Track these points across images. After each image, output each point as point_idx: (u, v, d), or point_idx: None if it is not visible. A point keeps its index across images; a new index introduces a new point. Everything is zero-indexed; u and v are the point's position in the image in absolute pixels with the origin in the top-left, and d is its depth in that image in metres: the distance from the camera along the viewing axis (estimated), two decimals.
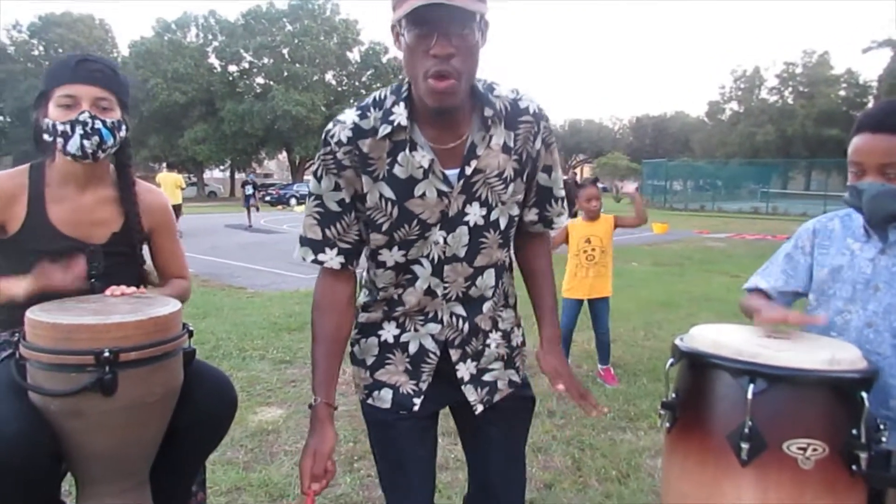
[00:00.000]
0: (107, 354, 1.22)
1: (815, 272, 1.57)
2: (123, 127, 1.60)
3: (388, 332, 1.38)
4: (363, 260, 1.39)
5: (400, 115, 1.22)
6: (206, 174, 47.80)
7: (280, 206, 30.63)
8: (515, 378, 1.49)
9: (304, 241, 1.31)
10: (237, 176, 45.20)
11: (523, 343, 1.53)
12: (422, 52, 1.12)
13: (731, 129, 49.13)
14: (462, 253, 1.30)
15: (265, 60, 41.60)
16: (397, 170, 1.24)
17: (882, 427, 1.27)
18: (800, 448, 1.20)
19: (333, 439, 1.30)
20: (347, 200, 1.27)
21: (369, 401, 1.40)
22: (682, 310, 6.88)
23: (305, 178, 42.48)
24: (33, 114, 1.56)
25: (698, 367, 1.35)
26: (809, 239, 1.61)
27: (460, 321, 1.37)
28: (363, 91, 43.86)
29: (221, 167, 46.61)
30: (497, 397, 1.44)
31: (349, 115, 1.26)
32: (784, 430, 1.21)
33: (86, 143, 1.51)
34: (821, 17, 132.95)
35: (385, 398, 1.38)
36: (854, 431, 1.21)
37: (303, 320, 6.01)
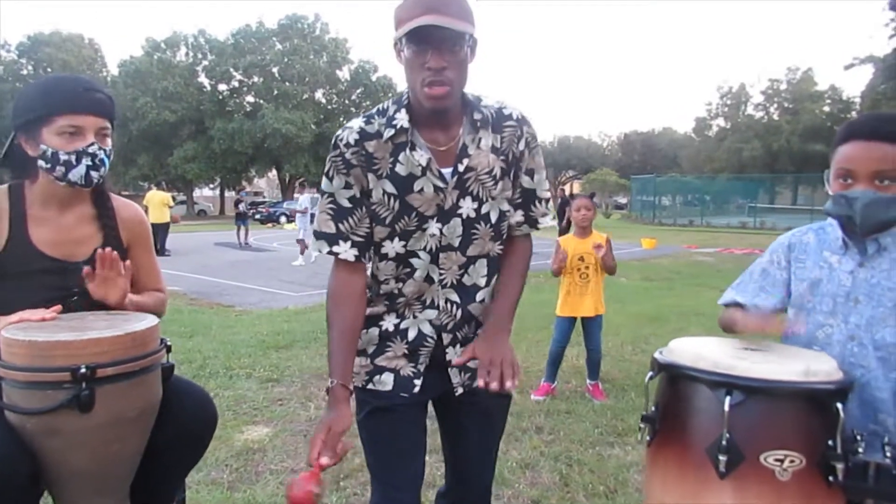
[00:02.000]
0: (83, 370, 1.21)
1: (794, 286, 1.58)
2: (112, 151, 1.63)
3: (389, 322, 1.51)
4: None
5: (401, 119, 1.40)
6: (196, 192, 47.67)
7: (270, 224, 30.56)
8: None
9: (320, 235, 1.45)
10: (227, 194, 45.14)
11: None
12: (419, 64, 1.31)
13: (719, 144, 49.64)
14: (456, 242, 1.46)
15: (255, 79, 41.72)
16: (399, 168, 1.40)
17: (859, 438, 1.27)
18: (777, 460, 1.20)
19: (350, 419, 1.37)
20: (357, 196, 1.42)
21: (370, 385, 1.50)
22: (670, 324, 6.90)
23: (295, 196, 42.37)
24: (14, 133, 1.56)
25: (677, 380, 1.36)
26: (784, 253, 1.62)
27: (454, 307, 1.51)
28: (353, 109, 44.07)
29: (211, 185, 46.54)
30: (476, 383, 1.49)
31: (356, 122, 1.44)
32: (761, 442, 1.22)
33: (93, 173, 1.55)
34: (804, 34, 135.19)
35: (387, 381, 1.49)
36: (830, 442, 1.22)
37: (291, 338, 5.99)
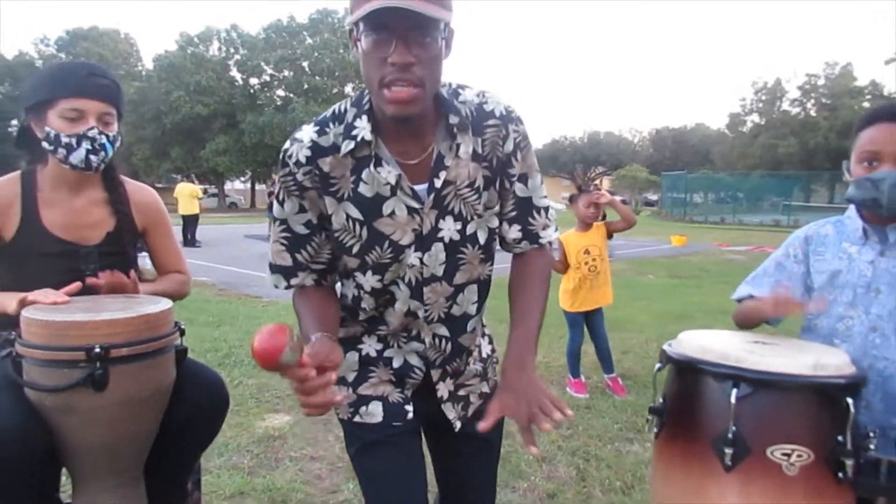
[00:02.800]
0: (97, 350, 1.25)
1: (813, 279, 1.56)
2: (120, 137, 1.65)
3: (370, 346, 1.33)
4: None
5: (363, 128, 1.14)
6: (227, 185, 48.35)
7: None
8: (486, 389, 1.45)
9: (275, 269, 1.28)
10: (257, 187, 45.69)
11: (493, 351, 1.50)
12: (379, 59, 1.04)
13: (753, 141, 48.65)
14: (440, 272, 1.24)
15: (285, 73, 42.13)
16: (362, 188, 1.17)
17: (871, 435, 1.25)
18: (784, 454, 1.19)
19: (341, 356, 1.14)
20: (314, 221, 1.22)
21: (356, 418, 1.31)
22: (696, 322, 6.80)
23: None
24: (24, 116, 1.60)
25: (684, 372, 1.35)
26: (801, 247, 1.60)
27: (443, 342, 1.32)
28: None
29: (242, 178, 47.17)
30: (471, 411, 1.42)
31: (306, 133, 1.19)
32: (768, 436, 1.20)
33: (93, 157, 1.57)
34: (842, 28, 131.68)
35: (374, 412, 1.30)
36: (840, 438, 1.20)
37: None
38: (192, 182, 16.12)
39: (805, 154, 43.97)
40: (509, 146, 1.24)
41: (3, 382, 1.36)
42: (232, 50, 43.22)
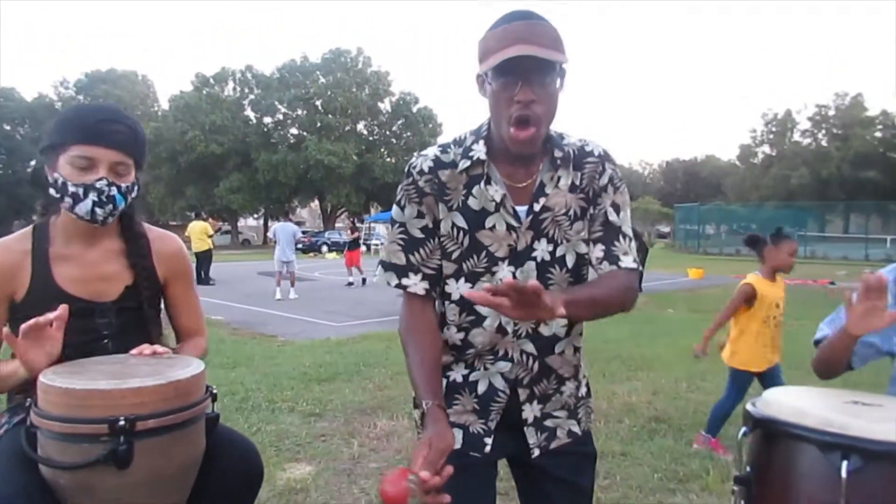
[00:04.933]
0: (122, 423, 1.11)
1: None
2: (136, 187, 1.52)
3: (457, 372, 1.40)
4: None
5: (479, 151, 1.32)
6: (241, 222, 48.69)
7: (312, 254, 30.91)
8: (576, 429, 1.45)
9: (388, 266, 1.37)
10: (270, 224, 45.98)
11: (588, 394, 1.51)
12: (506, 98, 1.22)
13: (764, 172, 48.59)
14: None
15: (299, 112, 42.70)
16: (471, 201, 1.32)
17: None
18: None
19: (452, 439, 1.19)
20: (430, 226, 1.34)
21: None
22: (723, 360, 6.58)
23: (338, 225, 43.02)
24: (40, 159, 1.49)
25: (777, 438, 1.20)
26: (891, 288, 1.46)
27: (530, 359, 1.37)
28: (394, 140, 44.67)
29: (255, 216, 47.48)
30: (554, 444, 1.42)
31: (431, 150, 1.37)
32: None
33: (98, 210, 1.44)
34: (852, 59, 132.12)
35: (455, 438, 1.33)
36: None
37: (334, 371, 5.90)
38: (204, 220, 16.14)
39: (818, 184, 43.78)
40: (604, 180, 1.38)
41: (13, 457, 1.22)
42: (247, 90, 43.96)
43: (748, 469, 1.25)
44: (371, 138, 44.95)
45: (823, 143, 47.59)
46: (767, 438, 1.23)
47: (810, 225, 34.97)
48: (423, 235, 1.34)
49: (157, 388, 1.18)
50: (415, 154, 1.39)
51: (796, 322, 8.66)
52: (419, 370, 1.29)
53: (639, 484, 3.31)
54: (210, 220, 17.40)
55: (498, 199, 1.31)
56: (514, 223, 1.32)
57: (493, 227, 1.32)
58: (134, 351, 1.40)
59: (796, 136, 50.08)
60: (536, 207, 1.32)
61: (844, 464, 1.06)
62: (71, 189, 1.42)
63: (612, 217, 1.37)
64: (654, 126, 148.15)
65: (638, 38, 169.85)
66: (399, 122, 45.16)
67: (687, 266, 18.84)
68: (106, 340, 1.49)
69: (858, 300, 1.33)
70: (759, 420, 1.23)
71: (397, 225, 1.36)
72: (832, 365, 1.50)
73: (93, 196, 1.43)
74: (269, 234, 13.00)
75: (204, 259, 15.03)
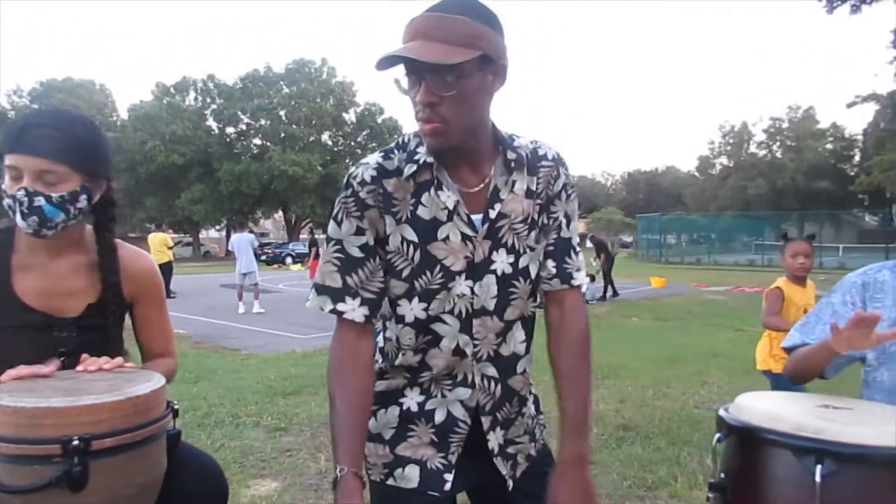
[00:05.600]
0: (76, 443, 1.04)
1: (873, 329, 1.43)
2: (83, 197, 1.38)
3: (412, 399, 1.26)
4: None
5: (425, 153, 1.19)
6: (202, 234, 47.78)
7: (276, 266, 30.50)
8: (533, 452, 1.37)
9: (322, 290, 1.20)
10: (233, 234, 45.31)
11: (539, 411, 1.41)
12: (412, 97, 1.13)
13: (722, 182, 49.81)
14: (491, 305, 1.23)
15: (262, 122, 42.22)
16: (421, 210, 1.19)
17: None
18: None
19: None
20: (371, 244, 1.20)
21: (389, 481, 1.25)
22: (689, 366, 6.69)
23: (302, 237, 42.53)
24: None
25: (752, 444, 1.19)
26: (859, 293, 1.48)
27: (492, 383, 1.27)
28: (359, 151, 44.46)
29: (217, 227, 46.69)
30: (518, 472, 1.33)
31: (373, 157, 1.23)
32: None
33: (23, 223, 1.33)
34: (805, 72, 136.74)
35: (410, 476, 1.24)
36: None
37: (299, 384, 5.80)
38: (164, 231, 15.79)
39: (774, 195, 45.08)
40: (559, 185, 1.30)
41: None
42: (209, 99, 43.32)
43: (723, 476, 1.24)
44: (336, 149, 44.70)
45: (778, 154, 49.04)
46: (742, 444, 1.22)
47: (767, 234, 35.91)
48: (362, 254, 1.19)
49: (113, 404, 1.11)
50: (356, 164, 1.24)
51: (754, 329, 8.87)
52: (343, 423, 1.13)
53: (608, 492, 3.31)
54: (170, 231, 17.04)
55: (451, 206, 1.18)
56: (470, 232, 1.20)
57: (447, 237, 1.19)
58: (80, 367, 1.32)
59: (752, 148, 51.50)
60: (492, 214, 1.21)
61: (819, 468, 1.06)
62: (6, 201, 1.33)
63: (565, 231, 1.31)
64: (616, 137, 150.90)
65: (601, 52, 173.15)
66: (364, 133, 45.02)
67: (650, 275, 19.14)
68: (63, 358, 1.39)
69: (848, 328, 1.32)
70: (733, 426, 1.22)
71: (333, 242, 1.21)
72: (805, 374, 1.51)
73: (20, 208, 1.32)
74: (229, 247, 12.64)
75: (164, 271, 14.58)
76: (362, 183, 1.19)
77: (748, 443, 1.20)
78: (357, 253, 1.19)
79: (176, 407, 1.30)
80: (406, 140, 1.24)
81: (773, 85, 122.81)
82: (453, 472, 1.25)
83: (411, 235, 1.19)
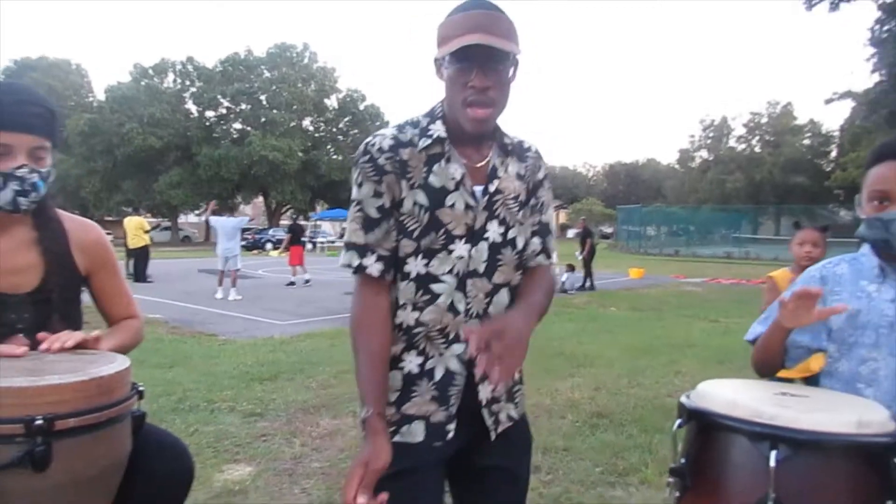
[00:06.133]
0: (39, 422, 1.04)
1: (832, 321, 1.47)
2: (52, 173, 1.43)
3: (411, 362, 1.38)
4: None
5: (438, 129, 1.35)
6: (181, 218, 47.21)
7: (256, 251, 30.26)
8: (513, 413, 1.48)
9: (350, 246, 1.36)
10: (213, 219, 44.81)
11: (521, 380, 1.53)
12: (462, 83, 1.28)
13: (702, 176, 50.31)
14: (482, 269, 1.37)
15: (243, 106, 41.74)
16: (432, 179, 1.34)
17: None
18: None
19: (389, 455, 1.22)
20: (387, 206, 1.34)
21: (397, 437, 1.36)
22: (663, 356, 6.78)
23: (282, 222, 42.22)
24: None
25: (711, 429, 1.22)
26: (819, 287, 1.51)
27: None
28: (340, 137, 44.21)
29: (196, 212, 46.17)
30: (500, 429, 1.44)
31: (388, 131, 1.38)
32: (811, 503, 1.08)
33: (22, 199, 1.35)
34: (784, 68, 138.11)
35: (416, 431, 1.36)
36: (890, 503, 1.08)
37: (276, 370, 5.79)
38: (139, 215, 15.54)
39: (752, 188, 45.65)
40: (540, 175, 1.49)
41: None
42: (188, 82, 42.67)
43: (682, 460, 1.27)
44: (317, 135, 44.36)
45: (757, 148, 49.61)
46: (701, 430, 1.25)
47: (744, 227, 36.43)
48: (378, 215, 1.34)
49: (77, 384, 1.10)
50: (371, 135, 1.39)
51: (729, 321, 9.01)
52: (369, 370, 1.29)
53: (580, 478, 3.36)
54: (148, 215, 16.83)
55: (458, 177, 1.34)
56: (472, 202, 1.35)
57: (453, 205, 1.34)
58: (43, 346, 1.31)
59: (732, 142, 52.04)
60: (491, 188, 1.37)
61: (773, 453, 1.09)
62: None
63: (545, 215, 1.50)
64: (597, 129, 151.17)
65: (583, 43, 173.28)
66: (346, 120, 44.73)
67: (628, 266, 19.34)
68: (21, 334, 1.38)
69: (791, 301, 1.38)
70: (693, 412, 1.25)
71: (354, 203, 1.36)
72: (768, 362, 1.55)
73: (14, 185, 1.33)
74: (213, 225, 12.15)
75: (141, 256, 14.52)
76: (381, 150, 1.33)
77: (706, 428, 1.23)
78: (374, 214, 1.34)
79: (141, 388, 1.29)
80: (416, 120, 1.40)
81: (754, 80, 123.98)
82: (454, 422, 1.37)
83: (423, 200, 1.34)
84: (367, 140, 1.37)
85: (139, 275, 14.29)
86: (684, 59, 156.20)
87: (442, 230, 1.34)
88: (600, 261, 16.00)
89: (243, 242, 25.89)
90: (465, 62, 1.26)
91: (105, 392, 1.15)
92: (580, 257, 14.30)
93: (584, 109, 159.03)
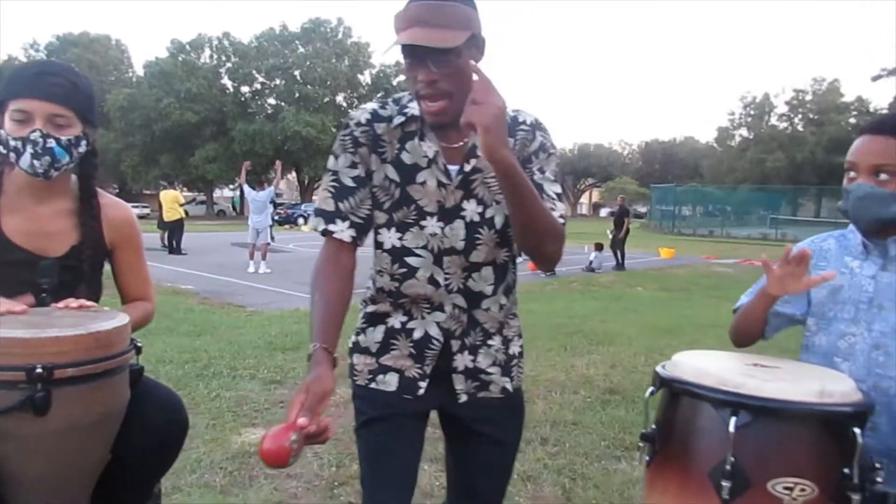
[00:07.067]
0: (39, 370, 1.13)
1: (813, 294, 1.49)
2: (83, 142, 1.52)
3: (396, 319, 1.46)
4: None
5: (414, 108, 1.37)
6: (216, 193, 48.08)
7: (288, 226, 30.72)
8: (509, 387, 1.52)
9: (318, 212, 1.42)
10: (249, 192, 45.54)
11: (521, 354, 1.57)
12: (412, 77, 1.29)
13: (741, 155, 49.04)
14: (460, 246, 1.40)
15: (277, 82, 42.07)
16: (404, 155, 1.38)
17: (878, 467, 1.16)
18: (786, 488, 1.10)
19: (331, 382, 1.24)
20: (362, 176, 1.39)
21: (372, 385, 1.46)
22: (686, 336, 6.74)
23: (314, 197, 42.64)
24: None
25: (679, 396, 1.26)
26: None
27: (461, 312, 1.44)
28: None
29: (231, 186, 46.93)
30: (482, 394, 1.48)
31: (370, 105, 1.43)
32: (769, 468, 1.11)
33: (35, 162, 1.44)
34: (830, 44, 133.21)
35: (390, 381, 1.45)
36: (846, 471, 1.11)
37: (299, 340, 5.93)
38: (175, 189, 15.95)
39: (792, 169, 44.34)
40: (535, 146, 1.43)
41: None
42: (224, 58, 43.11)
43: (653, 427, 1.32)
44: (350, 110, 44.08)
45: (799, 127, 48.10)
46: (671, 397, 1.29)
47: (783, 208, 35.50)
48: (354, 185, 1.39)
49: (76, 337, 1.20)
50: (356, 108, 1.45)
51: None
52: (320, 310, 1.34)
53: (586, 451, 3.42)
54: (184, 189, 17.22)
55: (430, 155, 1.36)
56: (445, 180, 1.37)
57: (424, 182, 1.37)
58: (60, 304, 1.42)
59: (773, 120, 50.52)
60: (467, 168, 1.37)
61: (733, 420, 1.12)
62: (11, 143, 1.43)
63: (538, 177, 1.39)
64: (634, 107, 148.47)
65: (621, 21, 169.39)
66: (379, 95, 44.58)
67: (659, 245, 19.10)
68: (44, 295, 1.50)
69: (779, 266, 1.38)
70: (665, 380, 1.29)
71: (330, 173, 1.41)
72: (747, 330, 1.56)
73: (29, 149, 1.43)
74: (248, 198, 12.08)
75: (176, 228, 14.88)
76: (357, 124, 1.39)
77: (676, 396, 1.27)
78: (350, 183, 1.39)
79: (139, 345, 1.39)
80: (400, 96, 1.43)
81: (797, 56, 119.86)
82: (427, 381, 1.44)
83: (393, 175, 1.38)
84: (350, 113, 1.43)
85: (173, 247, 14.66)
86: (726, 34, 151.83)
87: (413, 206, 1.38)
88: (631, 240, 15.83)
89: (276, 217, 26.16)
90: (410, 58, 1.27)
91: (103, 346, 1.24)
92: (610, 235, 14.18)
93: (621, 86, 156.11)
